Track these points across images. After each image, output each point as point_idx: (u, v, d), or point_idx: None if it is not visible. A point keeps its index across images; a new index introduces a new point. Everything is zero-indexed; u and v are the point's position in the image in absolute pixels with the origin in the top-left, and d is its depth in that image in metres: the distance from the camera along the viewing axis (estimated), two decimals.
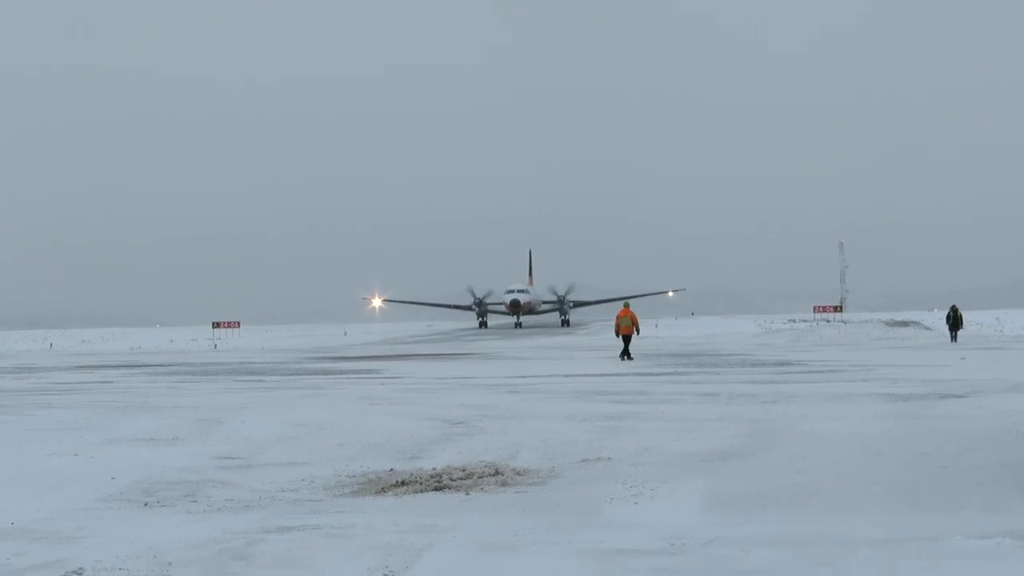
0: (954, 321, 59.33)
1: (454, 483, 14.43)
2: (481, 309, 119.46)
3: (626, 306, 46.39)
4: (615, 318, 46.12)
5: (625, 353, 44.18)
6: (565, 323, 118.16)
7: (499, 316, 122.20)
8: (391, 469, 15.77)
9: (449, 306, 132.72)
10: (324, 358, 54.03)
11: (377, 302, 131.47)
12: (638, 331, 45.68)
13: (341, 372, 40.41)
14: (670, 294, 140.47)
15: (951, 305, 61.54)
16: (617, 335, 45.19)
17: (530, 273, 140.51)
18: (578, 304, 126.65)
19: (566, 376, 34.75)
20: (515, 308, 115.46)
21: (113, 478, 15.38)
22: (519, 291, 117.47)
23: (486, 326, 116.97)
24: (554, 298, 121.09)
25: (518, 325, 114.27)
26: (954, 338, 58.13)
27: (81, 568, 10.41)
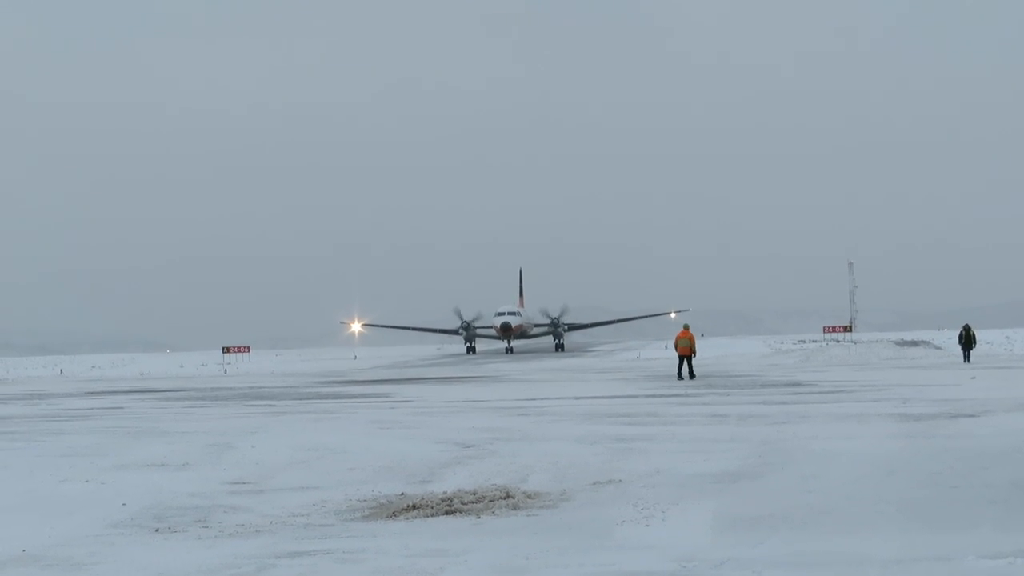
0: (967, 340, 58.99)
1: (465, 507, 14.43)
2: (469, 333, 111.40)
3: (686, 328, 47.42)
4: (674, 338, 47.53)
5: (689, 373, 45.47)
6: (560, 347, 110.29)
7: (488, 341, 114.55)
8: (402, 493, 15.77)
9: (434, 330, 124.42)
10: (334, 382, 54.05)
11: (357, 327, 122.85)
12: (695, 352, 46.80)
13: (351, 396, 40.41)
14: (672, 315, 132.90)
15: (963, 324, 60.89)
16: (676, 352, 46.76)
17: (521, 294, 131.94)
18: (574, 327, 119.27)
19: (576, 398, 34.72)
20: (506, 332, 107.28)
21: (124, 504, 15.39)
22: (510, 313, 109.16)
23: (474, 351, 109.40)
24: (547, 321, 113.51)
25: (509, 350, 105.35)
26: (967, 358, 57.65)
27: None
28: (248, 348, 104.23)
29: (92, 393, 49.16)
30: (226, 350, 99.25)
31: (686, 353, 46.00)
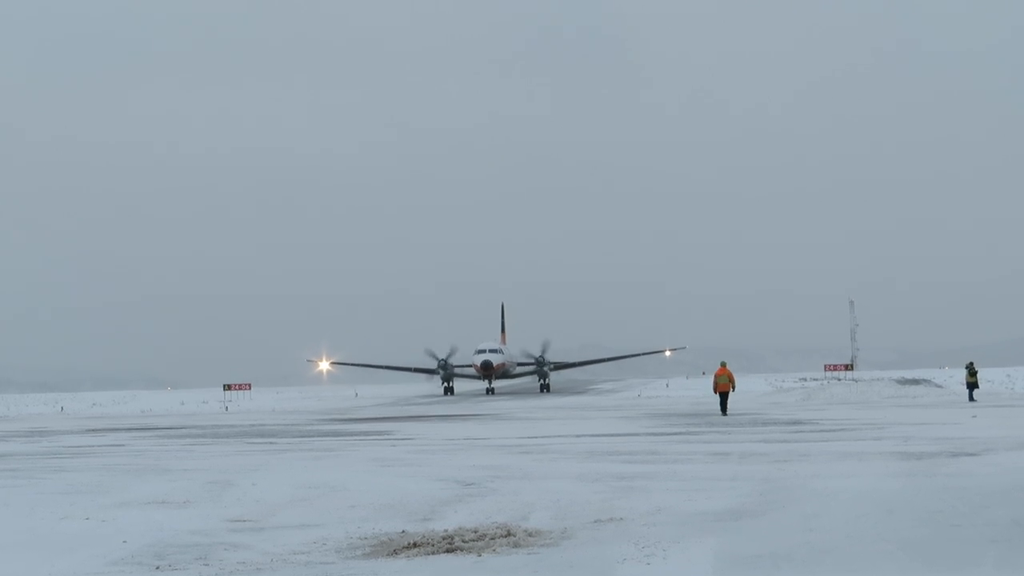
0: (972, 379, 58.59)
1: (466, 545, 14.42)
2: (447, 372, 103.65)
3: (723, 365, 48.63)
4: (713, 375, 49.08)
5: (723, 409, 46.79)
6: (544, 388, 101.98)
7: (467, 381, 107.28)
8: (403, 531, 15.77)
9: (409, 369, 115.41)
10: (335, 420, 54.00)
11: (325, 365, 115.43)
12: (734, 388, 48.29)
13: (352, 434, 40.38)
14: (667, 353, 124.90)
15: (969, 362, 60.26)
16: (715, 392, 48.00)
17: (503, 330, 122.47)
18: (560, 366, 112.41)
19: (577, 436, 34.70)
20: (487, 370, 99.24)
21: (125, 541, 15.39)
22: (491, 351, 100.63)
23: (452, 392, 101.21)
24: (531, 359, 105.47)
25: (490, 391, 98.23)
26: (971, 397, 57.09)
27: None
28: (249, 385, 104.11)
29: (93, 430, 49.12)
30: (227, 387, 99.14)
31: (726, 390, 47.35)
